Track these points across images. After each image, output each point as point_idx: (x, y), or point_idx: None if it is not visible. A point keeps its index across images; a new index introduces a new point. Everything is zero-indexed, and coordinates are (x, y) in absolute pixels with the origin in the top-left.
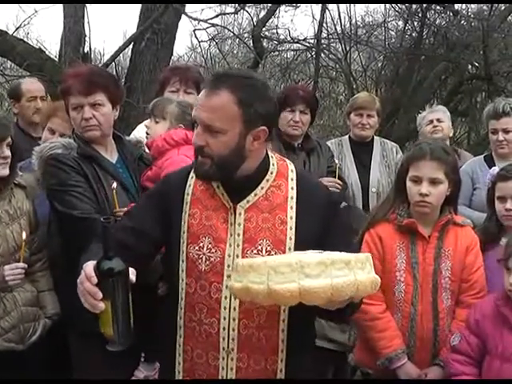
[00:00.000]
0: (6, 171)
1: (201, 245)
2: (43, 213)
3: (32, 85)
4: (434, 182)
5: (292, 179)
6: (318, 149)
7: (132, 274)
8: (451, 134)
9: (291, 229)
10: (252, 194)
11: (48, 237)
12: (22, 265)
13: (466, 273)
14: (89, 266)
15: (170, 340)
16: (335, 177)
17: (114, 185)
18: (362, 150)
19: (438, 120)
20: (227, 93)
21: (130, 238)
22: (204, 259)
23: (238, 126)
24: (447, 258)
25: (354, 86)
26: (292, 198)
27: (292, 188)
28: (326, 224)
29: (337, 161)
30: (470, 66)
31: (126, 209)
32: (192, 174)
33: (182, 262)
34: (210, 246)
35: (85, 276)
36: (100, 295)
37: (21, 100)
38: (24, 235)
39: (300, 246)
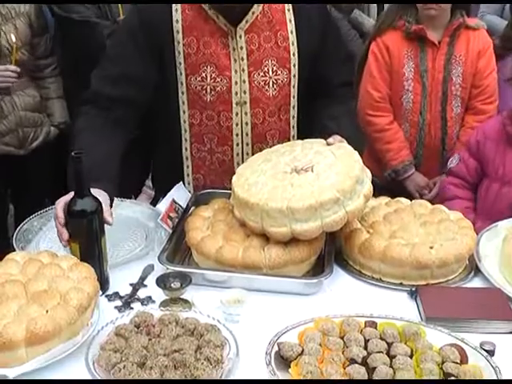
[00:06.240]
0: None
1: (203, 75)
2: (50, 18)
3: None
4: None
5: None
6: None
7: (108, 215)
8: None
9: (293, 44)
10: (250, 13)
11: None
12: (14, 67)
13: (478, 78)
14: (60, 204)
15: (177, 171)
16: None
17: None
18: None
19: None
20: None
21: (130, 90)
22: (209, 90)
23: None
24: (458, 64)
25: None
26: (289, 10)
27: None
28: (323, 35)
29: None
30: None
31: None
32: None
33: (182, 94)
34: (213, 75)
35: (55, 214)
36: (66, 236)
37: None
38: (13, 37)
39: (302, 60)
